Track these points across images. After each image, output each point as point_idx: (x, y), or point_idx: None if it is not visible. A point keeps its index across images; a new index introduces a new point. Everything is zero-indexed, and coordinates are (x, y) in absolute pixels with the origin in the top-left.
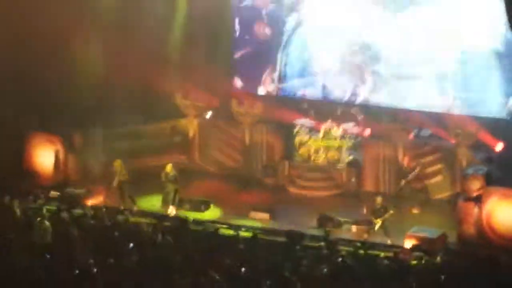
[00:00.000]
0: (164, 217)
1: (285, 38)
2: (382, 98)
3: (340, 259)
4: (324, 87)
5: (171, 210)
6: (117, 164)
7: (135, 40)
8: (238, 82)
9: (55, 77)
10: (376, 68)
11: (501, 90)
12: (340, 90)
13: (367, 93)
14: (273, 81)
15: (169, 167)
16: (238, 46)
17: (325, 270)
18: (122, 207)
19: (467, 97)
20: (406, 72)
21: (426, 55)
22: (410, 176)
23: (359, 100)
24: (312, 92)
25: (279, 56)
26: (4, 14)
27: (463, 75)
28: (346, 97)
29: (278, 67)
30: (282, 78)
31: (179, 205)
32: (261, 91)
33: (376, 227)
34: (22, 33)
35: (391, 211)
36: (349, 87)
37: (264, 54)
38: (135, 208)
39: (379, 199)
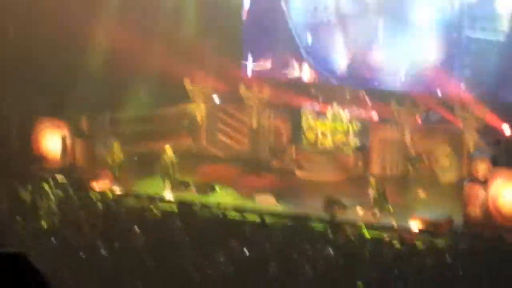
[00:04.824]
0: (171, 201)
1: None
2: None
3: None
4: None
5: (169, 194)
6: (115, 146)
7: (145, 24)
8: (247, 66)
9: (63, 62)
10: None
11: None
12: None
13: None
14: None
15: (168, 149)
16: (248, 30)
17: (332, 252)
18: (115, 189)
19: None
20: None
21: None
22: (418, 164)
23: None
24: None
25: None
26: None
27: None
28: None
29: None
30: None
31: (185, 188)
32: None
33: (378, 215)
34: (32, 18)
35: (391, 208)
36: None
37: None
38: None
39: (372, 180)
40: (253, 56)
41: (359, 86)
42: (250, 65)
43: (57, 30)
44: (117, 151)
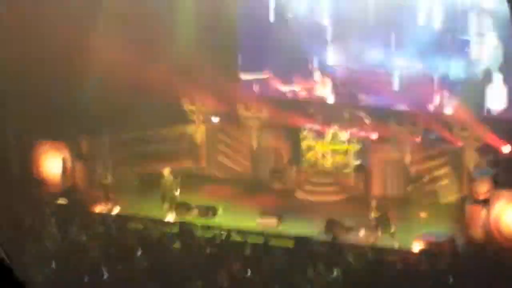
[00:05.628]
0: (172, 223)
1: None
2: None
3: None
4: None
5: (170, 216)
6: (110, 167)
7: (142, 45)
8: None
9: (61, 84)
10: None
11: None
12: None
13: None
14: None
15: (166, 172)
16: (244, 49)
17: (334, 275)
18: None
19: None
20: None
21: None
22: (419, 184)
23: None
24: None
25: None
26: (9, 19)
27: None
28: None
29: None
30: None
31: (186, 211)
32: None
33: (380, 236)
34: (27, 40)
35: (393, 229)
36: None
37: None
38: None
39: (374, 203)
40: (250, 70)
41: (356, 102)
42: (248, 78)
43: (55, 52)
44: (111, 172)
